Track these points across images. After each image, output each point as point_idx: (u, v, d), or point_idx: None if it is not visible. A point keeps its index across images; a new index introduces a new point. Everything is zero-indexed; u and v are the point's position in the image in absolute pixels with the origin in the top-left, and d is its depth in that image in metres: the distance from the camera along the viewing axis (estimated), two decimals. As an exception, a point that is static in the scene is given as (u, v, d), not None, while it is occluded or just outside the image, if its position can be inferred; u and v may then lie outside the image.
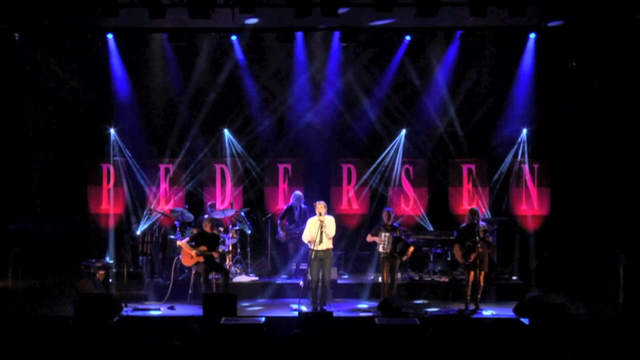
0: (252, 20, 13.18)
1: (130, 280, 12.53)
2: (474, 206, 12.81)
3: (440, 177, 14.72)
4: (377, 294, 12.22)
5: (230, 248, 13.29)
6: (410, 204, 14.60)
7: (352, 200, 14.71)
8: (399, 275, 12.34)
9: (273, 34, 13.76)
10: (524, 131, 14.32)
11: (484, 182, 14.54)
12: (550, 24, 13.43)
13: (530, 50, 14.02)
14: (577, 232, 13.66)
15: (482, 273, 11.52)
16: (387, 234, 11.72)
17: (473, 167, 14.63)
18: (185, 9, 11.95)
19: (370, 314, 11.27)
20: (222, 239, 12.68)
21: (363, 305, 12.03)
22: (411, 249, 11.85)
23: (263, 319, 9.60)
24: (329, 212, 11.53)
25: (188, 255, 11.84)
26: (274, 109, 14.64)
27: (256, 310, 11.70)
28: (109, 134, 14.38)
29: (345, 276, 13.38)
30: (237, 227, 13.53)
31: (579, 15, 12.78)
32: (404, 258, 11.97)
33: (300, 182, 14.57)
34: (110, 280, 12.81)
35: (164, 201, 14.47)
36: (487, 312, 11.36)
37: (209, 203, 13.92)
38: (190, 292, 12.12)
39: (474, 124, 14.51)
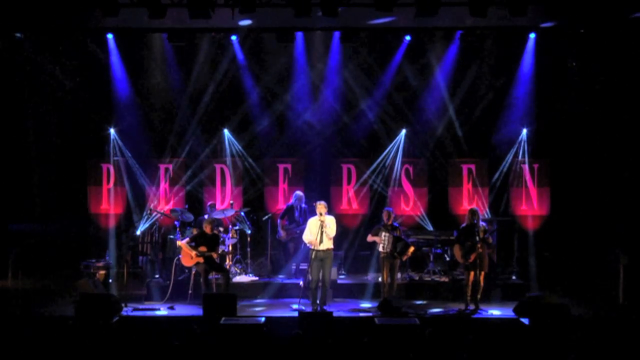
0: (246, 22, 13.18)
1: (130, 280, 12.52)
2: (474, 206, 12.79)
3: (440, 177, 14.73)
4: (377, 294, 12.22)
5: (230, 248, 13.29)
6: (410, 204, 14.60)
7: (352, 200, 14.71)
8: (399, 275, 12.34)
9: (273, 34, 13.77)
10: (524, 131, 14.31)
11: (484, 182, 14.53)
12: (543, 25, 13.43)
13: (530, 50, 14.01)
14: (577, 232, 13.66)
15: (482, 273, 11.51)
16: (387, 234, 11.72)
17: (473, 167, 14.62)
18: (185, 9, 11.94)
19: (370, 314, 11.26)
20: (222, 239, 12.68)
21: (363, 305, 12.03)
22: (411, 249, 11.85)
23: (263, 319, 9.62)
24: (329, 212, 11.53)
25: (188, 255, 11.84)
26: (273, 109, 14.64)
27: (256, 310, 11.69)
28: (109, 134, 14.39)
29: (342, 276, 13.33)
30: (237, 227, 13.54)
31: (576, 16, 12.79)
32: (404, 258, 11.96)
33: (300, 182, 14.56)
34: (110, 280, 12.80)
35: (164, 201, 14.47)
36: (493, 312, 11.36)
37: (209, 203, 13.91)
38: (190, 292, 12.12)
39: (474, 124, 14.51)
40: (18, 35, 13.55)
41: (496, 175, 14.45)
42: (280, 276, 13.34)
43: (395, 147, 14.57)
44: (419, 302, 12.23)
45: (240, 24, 13.23)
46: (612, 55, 13.57)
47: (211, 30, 13.76)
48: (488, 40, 14.03)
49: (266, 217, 13.88)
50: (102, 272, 12.74)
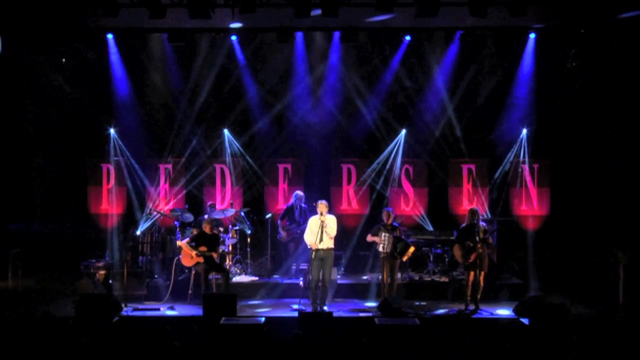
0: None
1: (130, 280, 12.52)
2: (474, 206, 12.79)
3: (441, 177, 14.72)
4: (377, 294, 12.23)
5: (230, 248, 13.29)
6: (410, 204, 14.60)
7: (352, 200, 14.71)
8: (399, 275, 12.34)
9: (273, 34, 13.77)
10: (524, 131, 14.33)
11: (484, 182, 14.54)
12: (543, 25, 13.42)
13: (530, 50, 14.02)
14: (577, 232, 13.66)
15: (482, 273, 11.51)
16: (387, 234, 11.71)
17: (473, 167, 14.63)
18: (185, 9, 11.95)
19: (370, 314, 11.27)
20: (222, 239, 12.69)
21: (363, 305, 12.03)
22: (412, 249, 11.84)
23: (263, 319, 9.63)
24: (330, 212, 11.52)
25: (188, 255, 11.85)
26: (273, 109, 14.63)
27: (256, 310, 11.69)
28: (109, 134, 14.39)
29: (338, 276, 13.26)
30: (237, 227, 13.54)
31: (576, 16, 12.78)
32: (405, 258, 11.94)
33: (300, 182, 14.57)
34: (110, 281, 12.78)
35: (164, 201, 14.47)
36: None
37: (209, 203, 13.91)
38: (190, 292, 12.12)
39: (474, 124, 14.51)
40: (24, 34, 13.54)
41: (496, 175, 14.46)
42: (280, 276, 13.34)
43: (395, 147, 14.57)
44: (419, 302, 12.22)
45: (231, 26, 13.26)
46: (612, 55, 13.56)
47: (211, 31, 13.76)
48: (488, 40, 14.02)
49: (266, 217, 13.87)
50: (102, 272, 12.73)
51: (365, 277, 13.33)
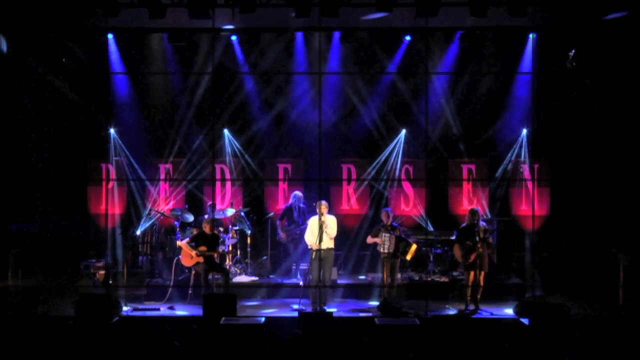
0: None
1: (130, 280, 12.52)
2: (474, 206, 12.79)
3: (441, 177, 14.72)
4: (377, 294, 12.22)
5: (230, 248, 13.29)
6: (410, 204, 14.60)
7: (352, 200, 14.71)
8: (399, 275, 12.34)
9: (273, 34, 13.77)
10: (524, 131, 14.32)
11: (484, 182, 14.54)
12: (543, 25, 13.40)
13: (530, 50, 14.01)
14: (577, 232, 13.66)
15: (482, 273, 11.52)
16: (388, 235, 11.72)
17: (473, 167, 14.63)
18: (185, 9, 11.95)
19: (370, 314, 11.27)
20: (222, 239, 12.69)
21: (363, 305, 12.03)
22: (414, 247, 11.84)
23: (263, 319, 9.63)
24: (330, 212, 11.52)
25: (188, 255, 11.85)
26: (273, 109, 14.63)
27: (256, 310, 11.69)
28: (109, 134, 14.39)
29: (335, 277, 13.27)
30: (237, 227, 13.53)
31: (576, 16, 12.78)
32: (409, 257, 11.93)
33: (300, 182, 14.56)
34: (110, 281, 12.78)
35: (164, 201, 14.47)
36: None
37: (209, 203, 13.91)
38: (190, 292, 12.12)
39: (474, 124, 14.50)
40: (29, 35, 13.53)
41: (496, 175, 14.46)
42: (280, 276, 13.34)
43: (395, 147, 14.57)
44: (419, 302, 12.22)
45: (231, 26, 13.27)
46: (611, 55, 13.56)
47: (211, 31, 13.74)
48: (488, 40, 14.01)
49: (266, 217, 13.87)
50: (102, 272, 12.73)
51: (365, 277, 13.33)
